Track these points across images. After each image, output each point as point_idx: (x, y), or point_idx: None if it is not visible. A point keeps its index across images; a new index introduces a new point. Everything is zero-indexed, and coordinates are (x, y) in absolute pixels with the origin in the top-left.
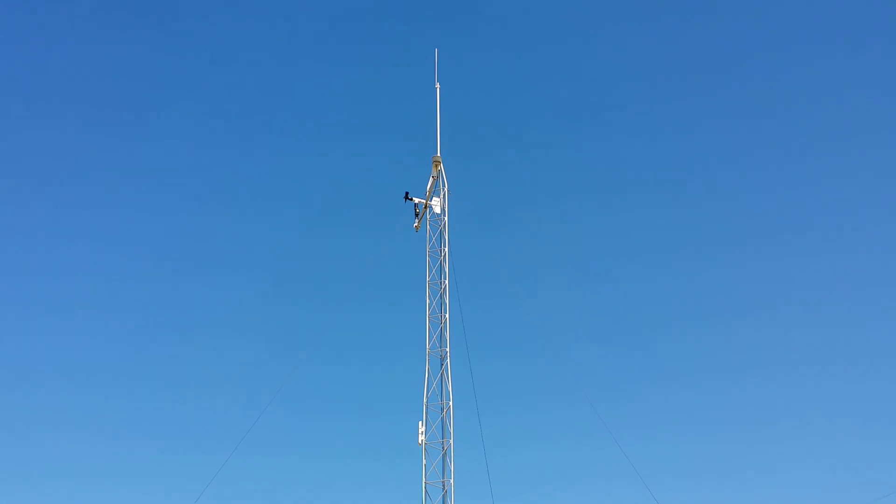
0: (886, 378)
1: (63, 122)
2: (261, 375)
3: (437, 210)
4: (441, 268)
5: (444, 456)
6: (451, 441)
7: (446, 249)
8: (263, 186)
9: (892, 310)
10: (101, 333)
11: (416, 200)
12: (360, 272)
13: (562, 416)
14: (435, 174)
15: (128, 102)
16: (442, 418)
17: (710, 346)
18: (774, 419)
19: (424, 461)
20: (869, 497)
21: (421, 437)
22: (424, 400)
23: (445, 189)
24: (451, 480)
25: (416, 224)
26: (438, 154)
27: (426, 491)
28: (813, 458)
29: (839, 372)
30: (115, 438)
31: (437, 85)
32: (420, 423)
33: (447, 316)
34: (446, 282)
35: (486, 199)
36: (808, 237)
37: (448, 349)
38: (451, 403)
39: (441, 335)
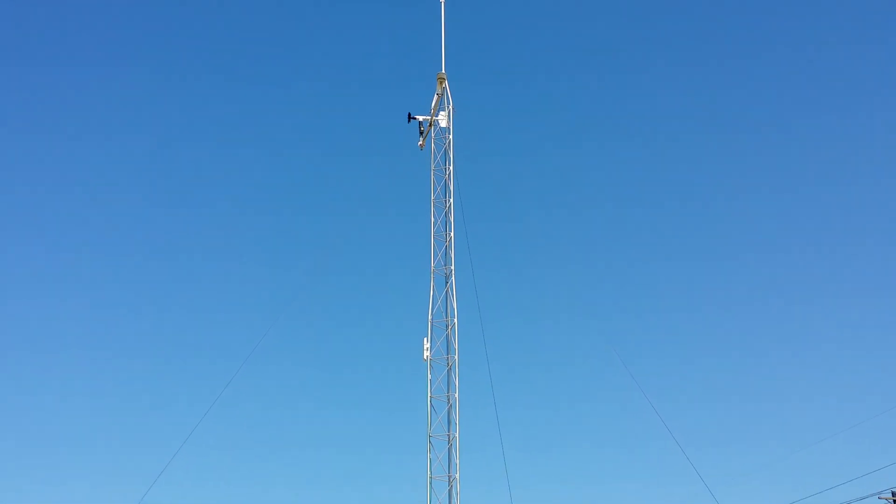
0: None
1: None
2: (270, 291)
3: (443, 124)
4: (446, 186)
5: (448, 371)
6: (456, 357)
7: (451, 168)
8: (270, 113)
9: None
10: (115, 240)
11: (421, 118)
12: (364, 192)
13: (564, 332)
14: (440, 91)
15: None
16: (446, 335)
17: (708, 266)
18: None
19: (430, 376)
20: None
21: (426, 353)
22: (429, 317)
23: (451, 106)
24: (456, 395)
25: (420, 142)
26: (443, 71)
27: (431, 405)
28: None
29: (836, 295)
30: (135, 349)
31: (442, 1)
32: (425, 339)
33: (452, 234)
34: (451, 200)
35: (490, 119)
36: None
37: (453, 267)
38: (455, 320)
39: (446, 253)
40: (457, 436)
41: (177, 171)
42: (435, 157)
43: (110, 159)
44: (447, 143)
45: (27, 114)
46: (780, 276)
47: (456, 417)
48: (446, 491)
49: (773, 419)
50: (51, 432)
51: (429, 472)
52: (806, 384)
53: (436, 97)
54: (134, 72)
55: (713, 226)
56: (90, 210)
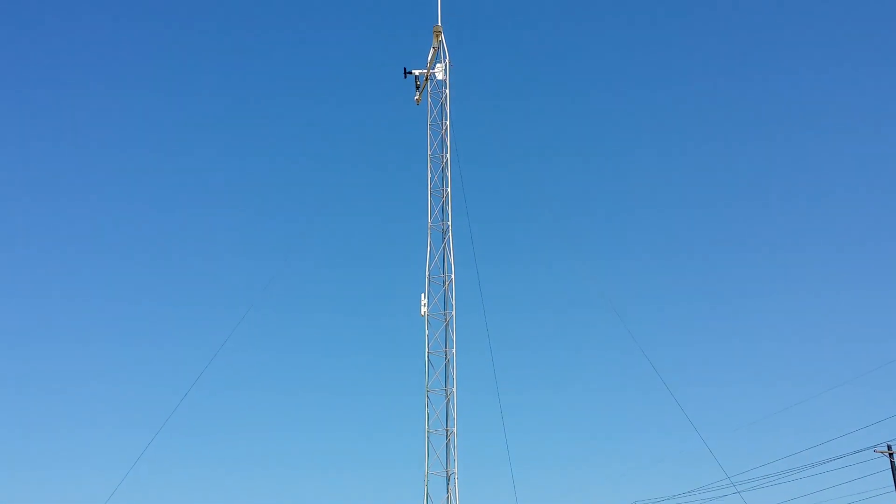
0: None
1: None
2: (269, 243)
3: (440, 77)
4: (443, 141)
5: (446, 327)
6: (453, 312)
7: (447, 122)
8: (266, 69)
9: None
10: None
11: (417, 72)
12: (361, 147)
13: (560, 284)
14: (436, 45)
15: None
16: (444, 290)
17: (702, 210)
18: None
19: (427, 332)
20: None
21: (423, 309)
22: (427, 272)
23: (447, 60)
24: (454, 350)
25: (416, 97)
26: (440, 24)
27: (429, 360)
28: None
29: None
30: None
31: None
32: (423, 295)
33: (449, 190)
34: (448, 155)
35: (485, 73)
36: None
37: (450, 223)
38: (452, 276)
39: (443, 209)
40: (454, 391)
41: (171, 124)
42: (431, 111)
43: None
44: (444, 98)
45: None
46: (779, 222)
47: (453, 372)
48: (444, 444)
49: (770, 373)
50: (33, 417)
51: (427, 426)
52: (803, 338)
53: (432, 51)
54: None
55: (711, 172)
56: (81, 208)
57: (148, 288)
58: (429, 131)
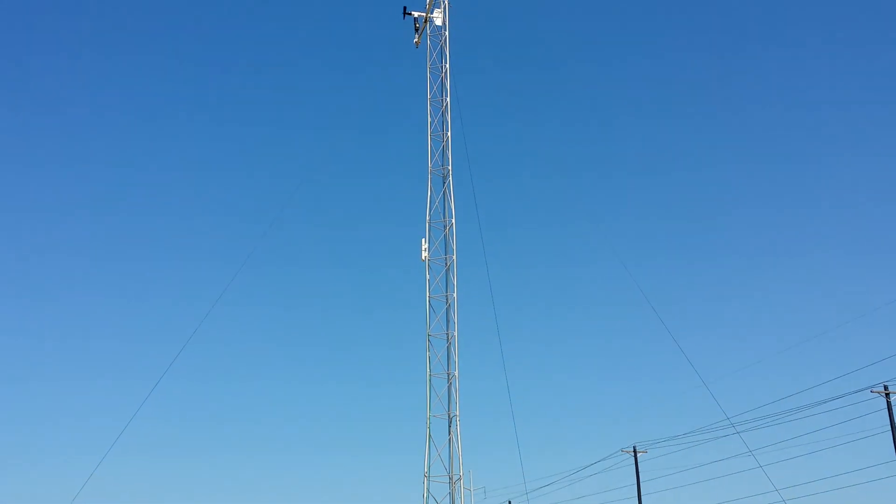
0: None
1: None
2: (269, 193)
3: (438, 22)
4: (442, 85)
5: (447, 272)
6: (454, 257)
7: (447, 65)
8: (264, 18)
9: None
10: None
11: (416, 14)
12: (360, 91)
13: (561, 230)
14: None
15: None
16: (444, 235)
17: (699, 132)
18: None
19: (428, 276)
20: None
21: (424, 254)
22: (427, 217)
23: (446, 2)
24: (455, 294)
25: (416, 39)
26: None
27: (430, 305)
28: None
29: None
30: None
31: None
32: (423, 240)
33: (449, 133)
34: (447, 99)
35: (486, 15)
36: None
37: (450, 167)
38: (453, 220)
39: (443, 153)
40: (455, 334)
41: (175, 95)
42: (431, 54)
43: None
44: (443, 41)
45: None
46: (778, 180)
47: (454, 316)
48: (445, 388)
49: (769, 315)
50: (33, 366)
51: (428, 370)
52: (801, 280)
53: None
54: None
55: (711, 104)
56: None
57: (147, 241)
58: (428, 74)
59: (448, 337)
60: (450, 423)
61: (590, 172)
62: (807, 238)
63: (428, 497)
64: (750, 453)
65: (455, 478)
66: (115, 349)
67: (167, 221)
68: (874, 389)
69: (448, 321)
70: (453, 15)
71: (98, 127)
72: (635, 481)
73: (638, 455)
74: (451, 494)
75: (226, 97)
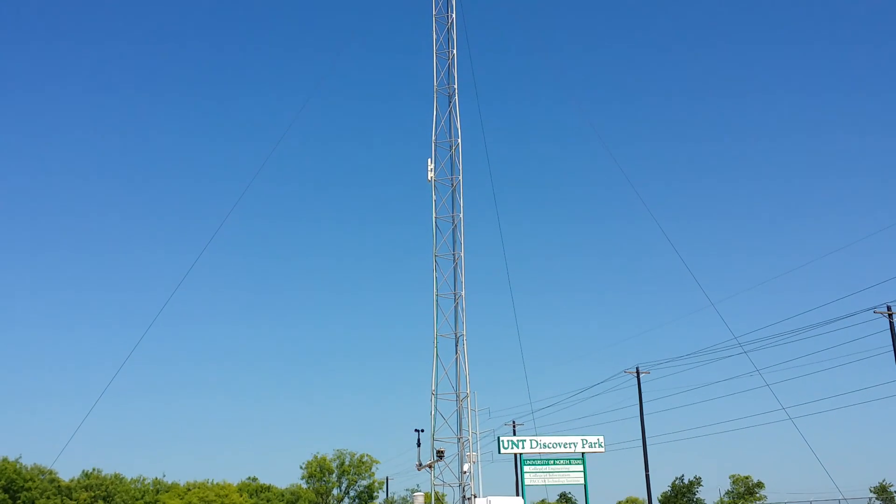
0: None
1: None
2: (273, 115)
3: None
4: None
5: (452, 191)
6: (460, 177)
7: None
8: None
9: None
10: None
11: None
12: (365, 8)
13: (568, 149)
14: None
15: None
16: (450, 155)
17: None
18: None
19: (434, 197)
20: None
21: (430, 174)
22: (433, 137)
23: None
24: (461, 214)
25: None
26: None
27: (436, 225)
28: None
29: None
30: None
31: None
32: (429, 160)
33: (455, 52)
34: (453, 15)
35: None
36: None
37: (456, 86)
38: (459, 140)
39: (449, 71)
40: (462, 254)
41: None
42: None
43: None
44: None
45: None
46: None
47: (461, 237)
48: (452, 308)
49: (775, 236)
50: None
51: (435, 290)
52: (806, 201)
53: None
54: None
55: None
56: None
57: (150, 163)
58: None
59: (455, 257)
60: (457, 342)
61: (600, 92)
62: (815, 160)
63: (435, 414)
64: (757, 372)
65: (462, 395)
66: (132, 260)
67: (168, 142)
68: (877, 310)
69: (454, 241)
70: None
71: (102, 50)
72: (638, 402)
73: (641, 376)
74: (459, 411)
75: (228, 16)
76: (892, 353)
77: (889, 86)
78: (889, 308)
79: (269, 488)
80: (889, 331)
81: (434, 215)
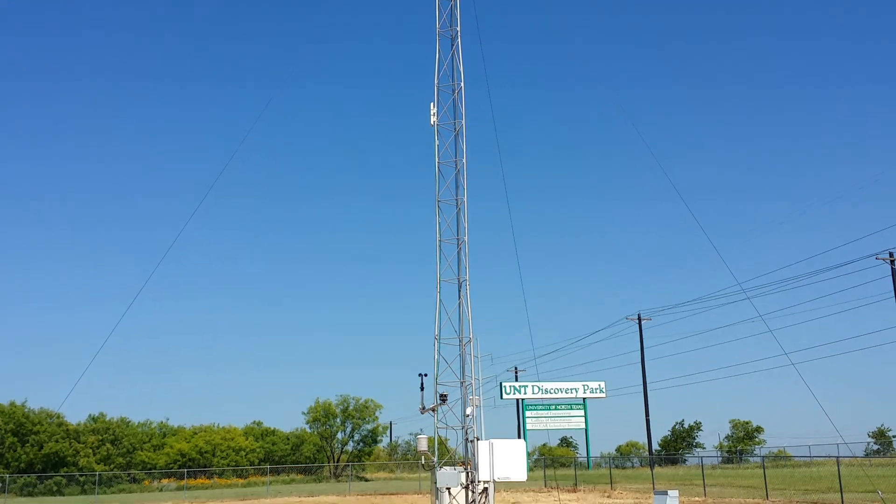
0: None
1: None
2: (274, 61)
3: None
4: None
5: (455, 136)
6: (463, 122)
7: None
8: None
9: None
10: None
11: None
12: None
13: (572, 95)
14: None
15: None
16: (453, 99)
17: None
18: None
19: (437, 142)
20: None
21: (433, 119)
22: (436, 81)
23: None
24: (464, 160)
25: None
26: None
27: (439, 170)
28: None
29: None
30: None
31: None
32: (432, 104)
33: None
34: None
35: None
36: None
37: (458, 28)
38: (462, 84)
39: (451, 13)
40: (465, 200)
41: None
42: None
43: None
44: None
45: None
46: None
47: (464, 182)
48: (455, 253)
49: (778, 182)
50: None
51: (437, 236)
52: (809, 148)
53: None
54: None
55: None
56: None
57: (151, 105)
58: None
59: (458, 202)
60: (459, 287)
61: (604, 43)
62: (814, 107)
63: (438, 358)
64: (760, 318)
65: (465, 340)
66: (137, 204)
67: (170, 86)
68: (879, 256)
69: (458, 187)
70: None
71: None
72: (639, 348)
73: (642, 322)
74: (462, 356)
75: None
76: (893, 298)
77: None
78: (891, 254)
79: (273, 432)
80: (890, 277)
81: (437, 160)
